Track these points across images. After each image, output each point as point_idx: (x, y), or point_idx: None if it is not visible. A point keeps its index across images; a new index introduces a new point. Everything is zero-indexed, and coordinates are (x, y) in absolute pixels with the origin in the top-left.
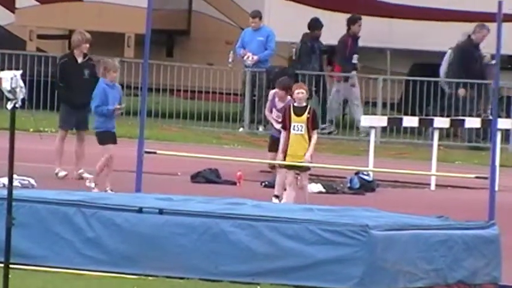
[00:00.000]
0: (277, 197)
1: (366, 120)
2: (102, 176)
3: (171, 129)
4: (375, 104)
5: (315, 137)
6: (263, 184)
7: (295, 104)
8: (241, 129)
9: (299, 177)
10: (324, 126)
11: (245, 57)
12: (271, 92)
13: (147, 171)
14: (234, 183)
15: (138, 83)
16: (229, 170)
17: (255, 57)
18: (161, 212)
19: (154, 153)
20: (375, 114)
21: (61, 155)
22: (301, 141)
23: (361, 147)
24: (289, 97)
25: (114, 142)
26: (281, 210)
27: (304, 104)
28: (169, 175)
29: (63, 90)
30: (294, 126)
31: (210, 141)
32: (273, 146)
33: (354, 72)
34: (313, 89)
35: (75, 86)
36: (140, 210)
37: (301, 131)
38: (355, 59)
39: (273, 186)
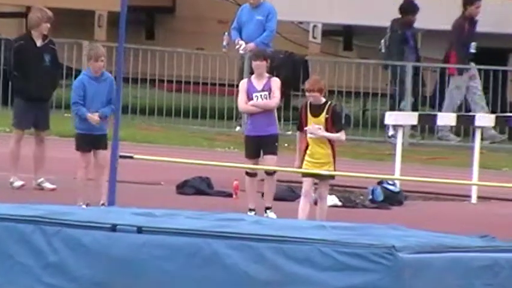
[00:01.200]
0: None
1: (390, 118)
2: (93, 189)
3: (152, 128)
4: (402, 98)
5: (340, 135)
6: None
7: (312, 101)
8: (238, 128)
9: (317, 187)
10: (442, 134)
11: (237, 46)
12: (243, 81)
13: (122, 179)
14: (230, 195)
15: (111, 72)
16: (223, 178)
17: (250, 46)
18: (140, 230)
19: (131, 157)
20: (403, 110)
21: (17, 161)
22: (319, 145)
23: (386, 150)
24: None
25: (96, 148)
26: (287, 227)
27: (323, 101)
28: (150, 184)
29: (19, 81)
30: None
31: (200, 143)
32: (250, 148)
33: (472, 64)
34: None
35: (33, 75)
36: (114, 228)
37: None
38: (472, 47)
39: (279, 199)
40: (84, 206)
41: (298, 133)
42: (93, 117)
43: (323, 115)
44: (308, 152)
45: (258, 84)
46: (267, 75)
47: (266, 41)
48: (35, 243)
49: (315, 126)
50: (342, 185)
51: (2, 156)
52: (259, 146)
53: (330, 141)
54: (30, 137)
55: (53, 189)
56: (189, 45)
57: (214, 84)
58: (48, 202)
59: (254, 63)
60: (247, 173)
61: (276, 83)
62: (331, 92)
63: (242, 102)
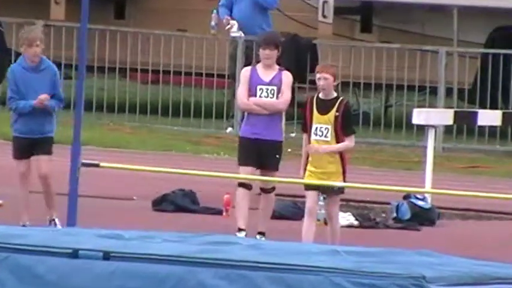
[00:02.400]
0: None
1: (419, 116)
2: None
3: (123, 129)
4: (434, 91)
5: (348, 143)
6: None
7: (320, 96)
8: (229, 129)
9: (324, 203)
10: None
11: (227, 27)
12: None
13: (85, 193)
14: (220, 212)
15: (71, 59)
16: (211, 192)
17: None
18: (107, 256)
19: (97, 166)
20: (435, 106)
21: None
22: (328, 153)
23: (414, 157)
24: (277, 67)
25: (37, 153)
26: (291, 253)
27: (334, 96)
28: (119, 200)
29: None
30: (316, 128)
31: (182, 148)
32: (245, 154)
33: None
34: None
35: None
36: (75, 254)
37: (325, 136)
38: None
39: (280, 217)
40: (23, 225)
41: (304, 135)
42: (41, 97)
43: (332, 112)
44: (311, 159)
45: (265, 75)
46: (278, 67)
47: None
48: None
49: (315, 146)
50: (359, 200)
51: None
52: (257, 151)
53: (336, 136)
54: None
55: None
56: (168, 26)
57: (200, 75)
58: None
59: (263, 52)
60: (240, 184)
61: (287, 78)
62: (345, 84)
63: (242, 97)
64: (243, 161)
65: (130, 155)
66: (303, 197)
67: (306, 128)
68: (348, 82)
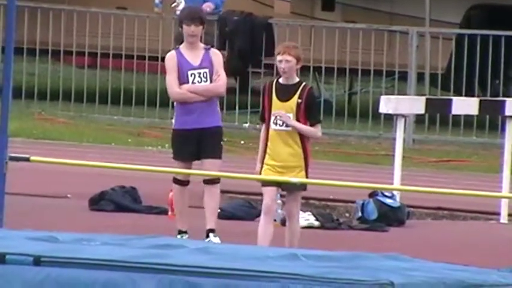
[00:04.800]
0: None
1: (387, 104)
2: None
3: (56, 119)
4: (404, 77)
5: (317, 130)
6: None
7: (280, 81)
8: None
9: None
10: None
11: (173, 5)
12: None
13: (13, 190)
14: (164, 212)
15: None
16: (155, 189)
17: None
18: (38, 261)
19: (27, 160)
20: (405, 93)
21: None
22: (287, 142)
23: (381, 150)
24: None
25: None
26: (246, 257)
27: (296, 81)
28: (52, 197)
29: None
30: (276, 117)
31: (122, 140)
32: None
33: None
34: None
35: None
36: (2, 259)
37: (287, 125)
38: None
39: (232, 217)
40: None
41: (263, 126)
42: None
43: (294, 99)
44: (269, 151)
45: (193, 57)
46: (202, 45)
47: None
48: None
49: (283, 113)
50: (320, 198)
51: None
52: (195, 144)
53: (302, 138)
54: None
55: None
56: (106, 4)
57: (143, 58)
58: None
59: (187, 29)
60: (176, 181)
61: (217, 57)
62: (305, 69)
63: (174, 85)
64: (180, 155)
65: (64, 148)
66: (258, 194)
67: (264, 116)
68: (307, 66)
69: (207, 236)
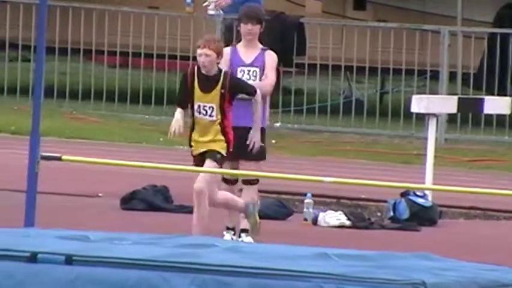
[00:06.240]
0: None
1: (419, 103)
2: None
3: (88, 118)
4: (436, 76)
5: (256, 105)
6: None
7: (202, 71)
8: None
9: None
10: None
11: (205, 3)
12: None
13: (45, 190)
14: None
15: (30, 39)
16: (186, 189)
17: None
18: (69, 260)
19: (58, 159)
20: (436, 92)
21: None
22: (211, 130)
23: (413, 149)
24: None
25: None
26: (276, 256)
27: (216, 71)
28: (83, 197)
29: None
30: (199, 106)
31: (153, 139)
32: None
33: None
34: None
35: None
36: (33, 258)
37: (210, 115)
38: None
39: (264, 217)
40: None
41: (178, 110)
42: None
43: (217, 90)
44: (196, 128)
45: (247, 55)
46: (260, 46)
47: None
48: None
49: (255, 138)
50: (352, 198)
51: None
52: (239, 142)
53: (224, 126)
54: None
55: None
56: (138, 3)
57: (175, 57)
58: None
59: (244, 27)
60: (224, 180)
61: (271, 58)
62: (336, 68)
63: None
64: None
65: (95, 147)
66: (289, 194)
67: (181, 102)
68: (339, 65)
69: (240, 236)
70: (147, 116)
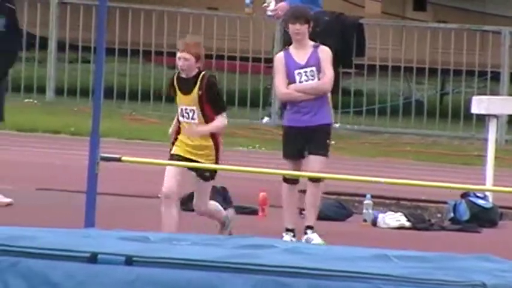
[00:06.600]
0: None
1: (479, 104)
2: None
3: (147, 119)
4: (496, 77)
5: (219, 124)
6: (304, 213)
7: (181, 75)
8: (265, 119)
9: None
10: None
11: (264, 4)
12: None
13: (104, 190)
14: (255, 212)
15: (89, 41)
16: (245, 189)
17: (282, 4)
18: (129, 260)
19: (118, 160)
20: (497, 93)
21: None
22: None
23: (474, 150)
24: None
25: None
26: (335, 258)
27: (194, 73)
28: (142, 197)
29: None
30: (182, 109)
31: None
32: (290, 144)
33: None
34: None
35: None
36: (94, 258)
37: (192, 118)
38: None
39: (323, 218)
40: None
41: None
42: None
43: (195, 91)
44: (180, 137)
45: (300, 56)
46: (311, 43)
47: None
48: None
49: (192, 128)
50: (412, 199)
51: None
52: (304, 141)
53: (205, 116)
54: None
55: (8, 204)
56: (197, 4)
57: (234, 58)
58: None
59: (292, 27)
60: (285, 179)
61: (325, 54)
62: (396, 69)
63: (281, 86)
64: (289, 152)
65: (154, 147)
66: (349, 195)
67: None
68: (398, 66)
69: (305, 233)
70: None
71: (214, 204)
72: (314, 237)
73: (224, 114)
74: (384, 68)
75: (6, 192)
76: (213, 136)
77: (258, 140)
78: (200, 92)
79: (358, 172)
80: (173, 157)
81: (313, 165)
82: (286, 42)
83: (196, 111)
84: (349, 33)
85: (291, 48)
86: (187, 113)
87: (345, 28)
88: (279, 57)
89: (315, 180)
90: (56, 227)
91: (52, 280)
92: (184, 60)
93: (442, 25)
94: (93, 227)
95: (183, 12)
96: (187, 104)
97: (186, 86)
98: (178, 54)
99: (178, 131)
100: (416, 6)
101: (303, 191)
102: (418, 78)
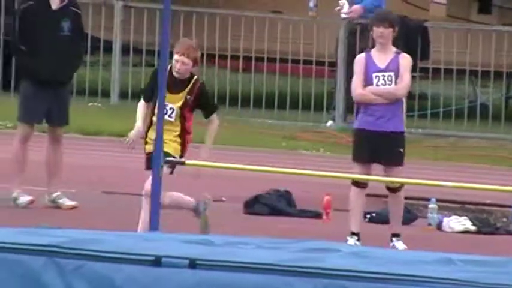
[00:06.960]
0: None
1: None
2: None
3: None
4: None
5: (215, 126)
6: (368, 217)
7: (175, 74)
8: (329, 122)
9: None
10: None
11: (337, 8)
12: (360, 56)
13: None
14: (319, 215)
15: (154, 44)
16: (309, 193)
17: (356, 7)
18: (193, 264)
19: (182, 163)
20: None
21: (22, 168)
22: (169, 131)
23: None
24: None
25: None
26: (399, 261)
27: (188, 76)
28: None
29: (26, 57)
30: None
31: (277, 144)
32: (361, 147)
33: None
34: None
35: (47, 49)
36: (158, 262)
37: (170, 116)
38: None
39: (386, 222)
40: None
41: (142, 103)
42: None
43: (184, 93)
44: (150, 131)
45: (381, 60)
46: (394, 49)
47: (377, 3)
48: (46, 283)
49: (199, 171)
50: (477, 203)
51: (1, 162)
52: (375, 147)
53: (182, 130)
54: (41, 135)
55: (72, 208)
56: (261, 7)
57: (298, 62)
58: (67, 225)
59: (376, 30)
60: (354, 183)
61: (406, 61)
62: (461, 72)
63: (357, 87)
64: (359, 156)
65: (219, 151)
66: (414, 198)
67: (148, 96)
68: (464, 70)
69: (391, 240)
70: (270, 121)
71: (176, 195)
72: (399, 245)
73: (215, 115)
74: (448, 72)
75: (70, 196)
76: (184, 135)
77: (321, 144)
78: (189, 97)
79: (423, 176)
80: (150, 155)
81: (392, 176)
82: (350, 44)
83: (175, 111)
84: (413, 36)
85: (373, 51)
86: (166, 110)
87: (410, 31)
88: (360, 58)
89: (395, 190)
90: (120, 230)
91: (116, 283)
92: (182, 64)
93: (507, 28)
94: (157, 230)
95: (247, 15)
96: (169, 102)
97: (176, 85)
98: (177, 57)
99: (150, 125)
100: (481, 9)
101: (369, 196)
102: (483, 82)
